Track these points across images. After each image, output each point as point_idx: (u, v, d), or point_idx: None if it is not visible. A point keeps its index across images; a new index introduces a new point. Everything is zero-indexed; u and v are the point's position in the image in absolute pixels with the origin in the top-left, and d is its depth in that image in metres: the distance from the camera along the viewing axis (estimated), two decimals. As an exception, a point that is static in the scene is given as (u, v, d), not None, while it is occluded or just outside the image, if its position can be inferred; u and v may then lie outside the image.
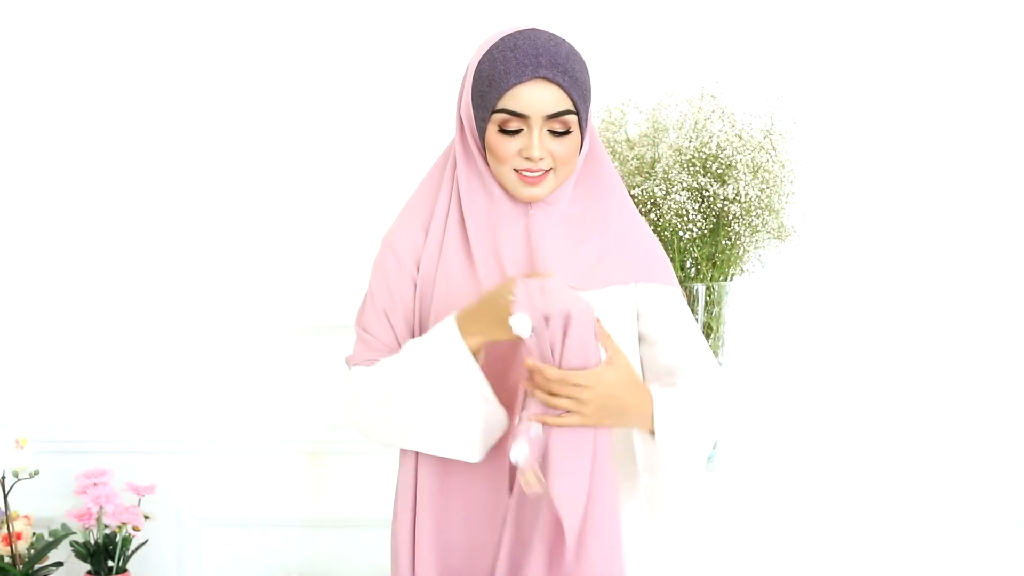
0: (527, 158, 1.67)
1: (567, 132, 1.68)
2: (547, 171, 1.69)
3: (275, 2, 2.55)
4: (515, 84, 1.64)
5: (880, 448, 2.43)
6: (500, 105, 1.66)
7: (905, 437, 2.47)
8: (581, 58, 1.69)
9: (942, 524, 2.36)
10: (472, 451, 1.65)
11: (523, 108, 1.65)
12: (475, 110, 1.70)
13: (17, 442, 2.24)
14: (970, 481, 2.40)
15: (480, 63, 1.69)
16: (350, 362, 1.77)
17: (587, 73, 1.70)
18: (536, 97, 1.65)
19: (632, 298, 1.76)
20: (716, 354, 2.29)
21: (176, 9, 2.55)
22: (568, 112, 1.66)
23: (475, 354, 1.62)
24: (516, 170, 1.69)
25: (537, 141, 1.66)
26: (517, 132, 1.67)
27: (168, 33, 2.55)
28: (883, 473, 2.36)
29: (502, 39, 1.68)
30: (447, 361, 1.62)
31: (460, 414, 1.63)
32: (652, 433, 1.64)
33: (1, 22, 2.56)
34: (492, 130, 1.68)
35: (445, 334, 1.63)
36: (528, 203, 1.73)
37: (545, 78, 1.64)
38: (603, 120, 2.32)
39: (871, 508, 2.32)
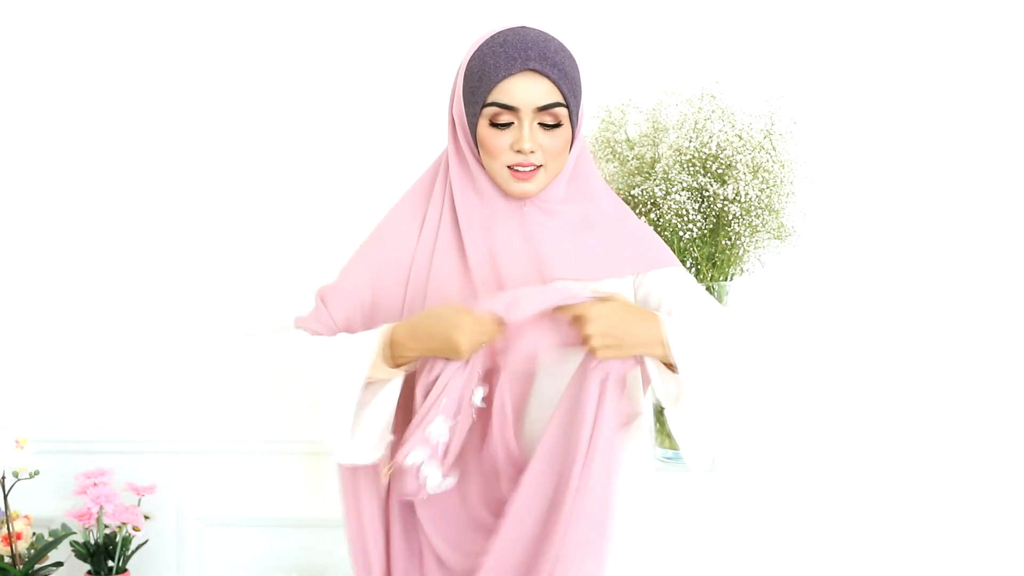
0: (518, 151, 1.67)
1: (558, 125, 1.68)
2: (538, 167, 1.69)
3: (270, 10, 2.55)
4: (505, 77, 1.65)
5: (880, 448, 2.43)
6: (490, 99, 1.66)
7: (905, 437, 2.46)
8: (571, 55, 1.70)
9: (942, 524, 2.36)
10: (342, 449, 1.67)
11: (513, 100, 1.66)
12: (466, 107, 1.71)
13: (17, 442, 2.24)
14: (970, 481, 2.40)
15: (470, 60, 1.70)
16: (298, 323, 1.78)
17: (577, 70, 1.70)
18: (526, 89, 1.66)
19: (632, 290, 1.77)
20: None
21: (173, 14, 2.55)
22: (558, 104, 1.67)
23: (403, 364, 1.64)
24: (508, 166, 1.69)
25: (528, 133, 1.67)
26: (508, 126, 1.68)
27: (165, 38, 2.55)
28: (883, 473, 2.36)
29: (492, 36, 1.69)
30: (354, 359, 1.64)
31: (338, 410, 1.64)
32: (669, 367, 1.62)
33: (1, 22, 2.56)
34: (483, 125, 1.68)
35: (370, 338, 1.65)
36: (521, 200, 1.74)
37: (534, 70, 1.65)
38: (603, 120, 2.32)
39: (871, 508, 2.32)
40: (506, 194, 1.73)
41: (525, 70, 1.65)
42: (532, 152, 1.67)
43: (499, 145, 1.68)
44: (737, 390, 1.62)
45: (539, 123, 1.68)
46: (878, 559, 2.32)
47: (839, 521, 2.29)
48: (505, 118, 1.67)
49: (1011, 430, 2.46)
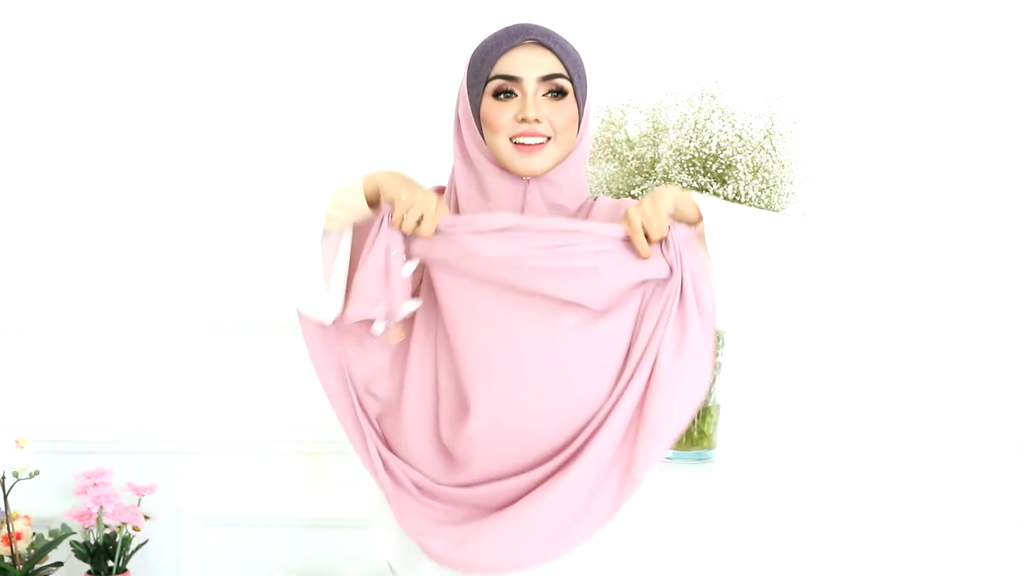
0: (522, 120, 1.64)
1: (563, 96, 1.66)
2: (546, 140, 1.66)
3: (273, 12, 2.55)
4: (507, 50, 1.65)
5: (881, 448, 2.43)
6: (493, 72, 1.65)
7: (905, 437, 2.47)
8: (575, 47, 1.70)
9: (942, 524, 2.36)
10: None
11: (516, 70, 1.65)
12: (470, 90, 1.69)
13: (17, 442, 2.24)
14: (970, 481, 2.40)
15: (474, 52, 1.70)
16: None
17: (582, 60, 1.70)
18: (529, 59, 1.65)
19: None
20: (716, 354, 2.29)
21: (173, 12, 2.55)
22: (561, 76, 1.66)
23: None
24: (512, 139, 1.66)
25: (532, 101, 1.64)
26: (511, 98, 1.66)
27: (167, 37, 2.55)
28: (884, 473, 2.36)
29: (493, 35, 1.70)
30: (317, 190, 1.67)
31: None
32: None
33: (1, 22, 2.56)
34: (487, 103, 1.66)
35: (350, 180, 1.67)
36: (525, 196, 1.70)
37: (537, 41, 1.66)
38: (603, 120, 2.32)
39: (872, 508, 2.32)
40: (512, 174, 1.70)
41: (527, 41, 1.65)
42: (537, 121, 1.65)
43: (502, 117, 1.65)
44: (759, 247, 1.66)
45: (543, 95, 1.66)
46: (878, 559, 2.32)
47: (839, 521, 2.29)
48: (509, 88, 1.65)
49: (1011, 430, 2.46)
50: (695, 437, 2.29)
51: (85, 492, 2.32)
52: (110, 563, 2.33)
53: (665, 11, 2.51)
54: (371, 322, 1.67)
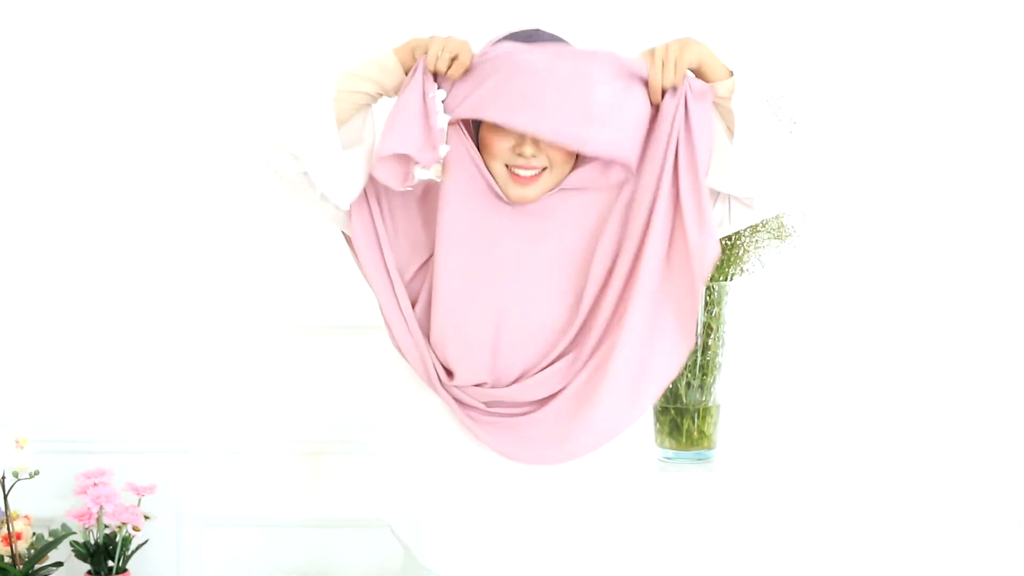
0: (519, 154, 1.65)
1: None
2: (541, 171, 1.66)
3: (272, 12, 2.55)
4: None
5: (880, 448, 2.43)
6: None
7: (905, 437, 2.47)
8: None
9: (942, 524, 2.36)
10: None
11: None
12: None
13: (17, 442, 2.24)
14: (970, 481, 2.40)
15: None
16: None
17: None
18: None
19: None
20: (716, 354, 2.29)
21: (173, 13, 2.55)
22: None
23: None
24: (508, 166, 1.66)
25: (530, 137, 1.64)
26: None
27: (169, 34, 2.55)
28: (883, 473, 2.36)
29: (503, 37, 1.68)
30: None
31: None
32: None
33: (3, 22, 2.56)
34: (487, 127, 1.66)
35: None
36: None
37: None
38: (603, 120, 2.32)
39: (872, 508, 2.32)
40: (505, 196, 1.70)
41: None
42: (534, 156, 1.65)
43: (500, 145, 1.65)
44: (775, 128, 1.68)
45: None
46: (878, 559, 2.32)
47: (839, 521, 2.29)
48: None
49: (1011, 430, 2.46)
50: (695, 437, 2.29)
51: (85, 492, 2.32)
52: (110, 563, 2.33)
53: (665, 11, 2.51)
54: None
